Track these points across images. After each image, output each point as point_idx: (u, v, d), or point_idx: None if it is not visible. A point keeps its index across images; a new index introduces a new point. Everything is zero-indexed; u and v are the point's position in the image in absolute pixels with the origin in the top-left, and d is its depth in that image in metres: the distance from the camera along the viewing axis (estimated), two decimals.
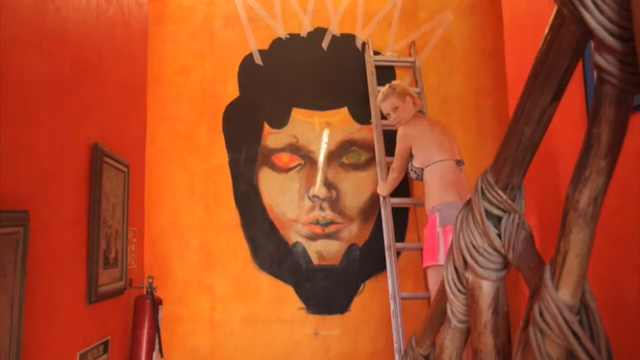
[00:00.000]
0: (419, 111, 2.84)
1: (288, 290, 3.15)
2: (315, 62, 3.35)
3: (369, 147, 3.28)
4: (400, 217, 3.23)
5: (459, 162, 2.58)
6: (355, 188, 3.26)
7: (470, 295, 0.91)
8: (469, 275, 0.91)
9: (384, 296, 3.18)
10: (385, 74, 3.36)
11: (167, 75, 3.28)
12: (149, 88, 3.21)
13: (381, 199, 2.95)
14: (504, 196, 0.82)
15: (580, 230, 0.66)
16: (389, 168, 3.02)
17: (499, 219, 0.85)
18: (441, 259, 2.33)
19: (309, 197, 3.23)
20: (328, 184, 3.26)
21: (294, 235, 3.20)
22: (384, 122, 3.14)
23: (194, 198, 3.21)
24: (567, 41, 0.68)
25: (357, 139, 3.30)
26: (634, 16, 0.54)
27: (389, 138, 3.18)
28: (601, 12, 0.58)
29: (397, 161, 2.74)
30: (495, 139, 3.24)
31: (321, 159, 3.26)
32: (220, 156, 3.25)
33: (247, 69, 3.32)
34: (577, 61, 0.71)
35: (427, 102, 3.29)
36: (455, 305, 0.96)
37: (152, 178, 3.18)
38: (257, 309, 3.12)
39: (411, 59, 3.34)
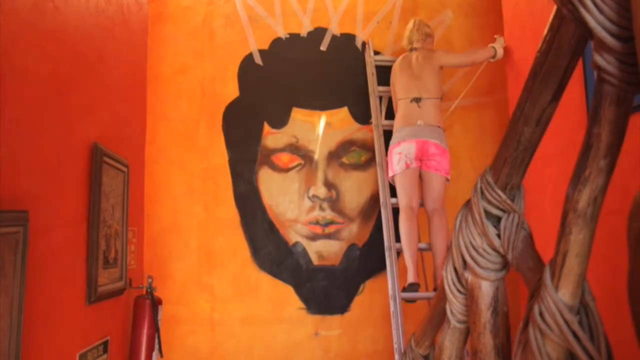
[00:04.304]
0: (413, 49, 3.00)
1: (288, 290, 3.15)
2: (315, 62, 3.34)
3: (368, 147, 3.27)
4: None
5: (415, 99, 2.87)
6: (355, 188, 3.26)
7: (470, 296, 0.90)
8: (468, 275, 0.91)
9: (384, 296, 3.18)
10: (386, 74, 3.36)
11: (166, 74, 3.28)
12: (148, 88, 3.21)
13: (381, 199, 2.94)
14: (503, 196, 0.82)
15: (580, 231, 0.66)
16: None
17: (499, 219, 0.85)
18: (390, 172, 2.86)
19: (308, 197, 3.23)
20: (328, 184, 3.26)
21: (294, 235, 3.20)
22: (385, 122, 3.14)
23: (194, 198, 3.21)
24: (566, 41, 0.68)
25: (357, 139, 3.30)
26: (634, 16, 0.54)
27: (389, 138, 3.18)
28: (601, 11, 0.58)
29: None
30: (496, 139, 3.24)
31: (317, 151, 3.26)
32: (220, 156, 3.25)
33: (247, 68, 3.31)
34: (577, 61, 0.71)
35: None
36: (455, 306, 0.96)
37: (152, 178, 3.17)
38: (256, 309, 3.12)
39: None
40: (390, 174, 2.84)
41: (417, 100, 2.87)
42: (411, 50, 3.00)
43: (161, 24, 3.31)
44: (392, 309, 2.68)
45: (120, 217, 2.54)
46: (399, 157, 2.78)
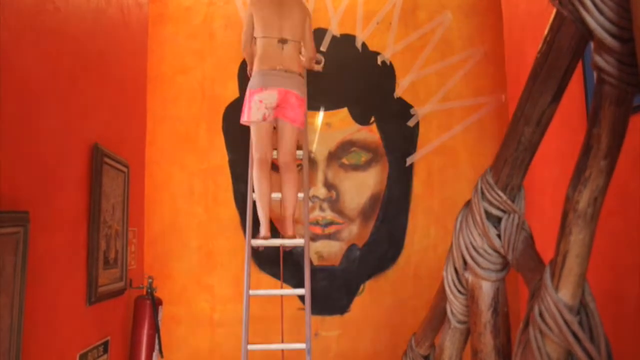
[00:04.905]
0: None
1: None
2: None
3: (369, 148, 3.28)
4: (400, 221, 3.23)
5: (282, 41, 2.74)
6: (355, 189, 3.26)
7: (470, 296, 0.91)
8: (468, 275, 0.91)
9: (384, 296, 3.18)
10: (386, 73, 3.36)
11: (167, 75, 3.28)
12: (148, 88, 3.21)
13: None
14: (504, 197, 0.82)
15: (580, 231, 0.66)
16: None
17: (499, 219, 0.85)
18: (245, 116, 2.76)
19: (309, 198, 3.23)
20: (328, 185, 3.26)
21: None
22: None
23: (194, 198, 3.21)
24: (566, 42, 0.68)
25: (357, 139, 3.30)
26: (634, 17, 0.54)
27: (393, 137, 3.18)
28: (601, 12, 0.58)
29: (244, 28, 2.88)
30: (496, 139, 3.24)
31: (316, 151, 3.27)
32: (220, 156, 3.25)
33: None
34: (577, 62, 0.71)
35: (426, 102, 3.31)
36: (455, 306, 0.96)
37: (152, 178, 3.17)
38: (256, 309, 3.12)
39: None
40: (245, 118, 2.76)
41: (284, 41, 2.73)
42: None
43: (161, 25, 3.31)
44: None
45: (121, 218, 2.54)
46: (259, 106, 2.69)
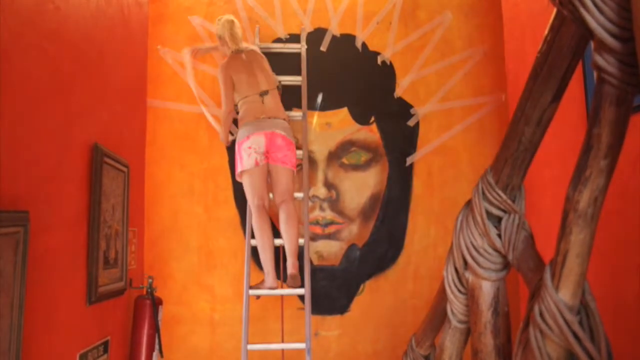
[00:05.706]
0: (238, 51, 2.97)
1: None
2: (315, 62, 3.35)
3: (368, 148, 3.28)
4: (400, 221, 3.23)
5: (263, 93, 2.87)
6: (355, 188, 3.26)
7: (471, 296, 0.91)
8: (469, 275, 0.91)
9: (384, 296, 3.18)
10: (386, 73, 3.36)
11: (167, 75, 3.28)
12: (148, 88, 3.21)
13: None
14: (504, 196, 0.82)
15: (581, 231, 0.66)
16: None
17: (499, 219, 0.85)
18: (239, 168, 2.78)
19: (309, 197, 3.22)
20: (328, 185, 3.26)
21: None
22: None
23: (194, 198, 3.21)
24: (567, 42, 0.68)
25: (357, 139, 3.30)
26: (634, 16, 0.54)
27: (393, 137, 3.17)
28: (601, 12, 0.58)
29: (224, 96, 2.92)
30: (496, 139, 3.24)
31: (317, 152, 3.26)
32: (220, 156, 3.25)
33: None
34: (577, 62, 0.71)
35: (426, 102, 3.31)
36: (456, 306, 0.96)
37: (152, 178, 3.17)
38: (256, 309, 3.12)
39: (297, 45, 3.30)
40: (240, 169, 2.77)
41: (264, 93, 2.86)
42: (237, 51, 2.95)
43: (161, 25, 3.31)
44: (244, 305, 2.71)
45: (121, 218, 2.54)
46: (249, 152, 2.72)
